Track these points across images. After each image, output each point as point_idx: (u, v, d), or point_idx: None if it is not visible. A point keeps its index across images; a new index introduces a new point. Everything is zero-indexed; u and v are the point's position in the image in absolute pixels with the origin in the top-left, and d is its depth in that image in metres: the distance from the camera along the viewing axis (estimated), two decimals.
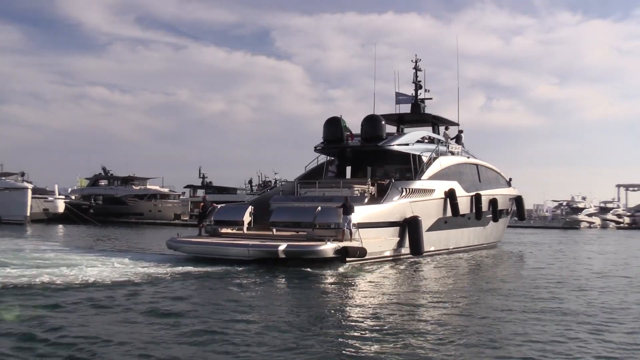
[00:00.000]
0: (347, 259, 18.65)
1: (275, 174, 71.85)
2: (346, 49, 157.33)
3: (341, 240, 18.53)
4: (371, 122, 25.59)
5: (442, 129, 31.06)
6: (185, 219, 65.31)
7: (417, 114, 31.20)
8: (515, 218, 38.40)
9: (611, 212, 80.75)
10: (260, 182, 73.93)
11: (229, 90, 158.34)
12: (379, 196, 22.41)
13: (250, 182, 75.91)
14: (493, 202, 29.51)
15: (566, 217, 77.34)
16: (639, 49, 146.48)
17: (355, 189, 22.78)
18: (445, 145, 28.55)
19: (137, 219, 62.90)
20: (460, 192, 25.89)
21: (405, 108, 31.48)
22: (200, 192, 72.16)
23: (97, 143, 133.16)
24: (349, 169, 28.23)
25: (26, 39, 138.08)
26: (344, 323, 10.53)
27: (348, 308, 12.20)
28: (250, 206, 22.07)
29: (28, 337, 8.87)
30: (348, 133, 25.93)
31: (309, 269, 17.30)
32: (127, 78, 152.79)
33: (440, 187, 24.86)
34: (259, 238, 19.76)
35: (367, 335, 9.47)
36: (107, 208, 64.70)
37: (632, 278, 18.55)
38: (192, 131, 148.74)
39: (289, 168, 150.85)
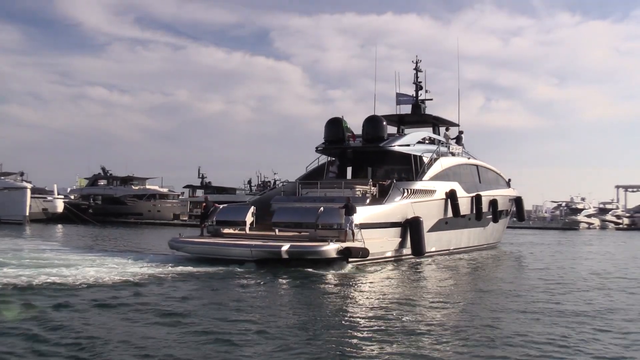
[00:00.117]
0: (350, 260, 18.71)
1: (275, 174, 71.97)
2: (345, 49, 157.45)
3: (344, 241, 18.59)
4: (372, 123, 25.67)
5: (442, 129, 31.16)
6: (185, 219, 65.32)
7: (417, 115, 31.31)
8: (515, 219, 38.56)
9: (610, 213, 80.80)
10: (260, 183, 73.87)
11: (228, 90, 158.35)
12: (380, 197, 22.48)
13: (249, 182, 75.93)
14: (493, 203, 29.62)
15: (565, 218, 77.37)
16: (638, 50, 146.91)
17: (357, 189, 22.86)
18: (446, 146, 28.65)
19: (136, 219, 62.89)
20: (460, 192, 25.98)
21: (406, 109, 31.63)
22: (200, 192, 72.12)
23: (96, 143, 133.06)
24: (349, 170, 28.30)
25: (25, 39, 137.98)
26: (347, 324, 10.57)
27: (352, 309, 12.24)
28: (253, 206, 22.10)
29: (28, 337, 8.91)
30: (350, 134, 26.01)
31: (310, 270, 17.34)
32: (126, 78, 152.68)
33: (441, 188, 24.95)
34: (261, 238, 19.80)
35: (369, 336, 9.51)
36: (106, 208, 64.65)
37: (631, 279, 18.65)
38: (191, 131, 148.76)
39: (288, 168, 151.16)
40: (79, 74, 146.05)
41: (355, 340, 9.14)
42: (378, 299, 13.55)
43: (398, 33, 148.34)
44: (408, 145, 25.69)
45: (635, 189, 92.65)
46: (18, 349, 8.28)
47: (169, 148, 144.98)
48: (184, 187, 75.05)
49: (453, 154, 28.76)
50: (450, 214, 25.21)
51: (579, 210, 77.89)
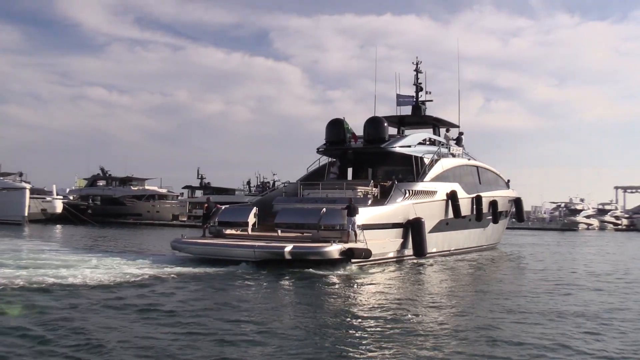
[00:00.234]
0: (352, 261, 18.76)
1: (274, 175, 72.05)
2: (345, 50, 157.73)
3: (346, 242, 18.63)
4: (374, 124, 25.74)
5: (442, 130, 31.28)
6: (184, 219, 65.34)
7: (418, 116, 31.42)
8: (514, 219, 38.64)
9: (609, 214, 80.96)
10: (259, 183, 73.91)
11: (227, 91, 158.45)
12: (382, 198, 22.53)
13: (248, 183, 75.99)
14: (493, 204, 29.71)
15: (564, 219, 77.49)
16: (637, 50, 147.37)
17: (358, 190, 22.91)
18: (446, 147, 28.74)
19: (135, 220, 62.86)
20: (461, 193, 26.05)
21: (406, 110, 31.74)
22: (199, 193, 72.15)
23: (95, 143, 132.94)
24: (350, 171, 28.36)
25: (25, 39, 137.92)
26: (350, 324, 10.61)
27: (354, 310, 12.22)
28: (255, 207, 22.13)
29: (27, 337, 8.95)
30: (351, 135, 26.07)
31: (312, 270, 17.38)
32: (125, 79, 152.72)
33: (442, 189, 25.03)
34: (264, 239, 19.84)
35: (372, 336, 9.54)
36: (105, 208, 64.59)
37: (630, 280, 18.75)
38: (191, 132, 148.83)
39: (287, 169, 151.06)
40: (79, 74, 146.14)
41: (357, 341, 9.19)
42: (381, 299, 13.60)
43: (397, 34, 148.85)
44: (409, 146, 25.78)
45: (634, 190, 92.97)
46: (18, 349, 8.31)
47: (168, 148, 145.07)
48: (183, 187, 75.15)
49: (453, 155, 28.84)
50: (451, 214, 25.28)
51: (578, 211, 78.03)
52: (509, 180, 34.90)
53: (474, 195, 27.65)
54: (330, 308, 12.32)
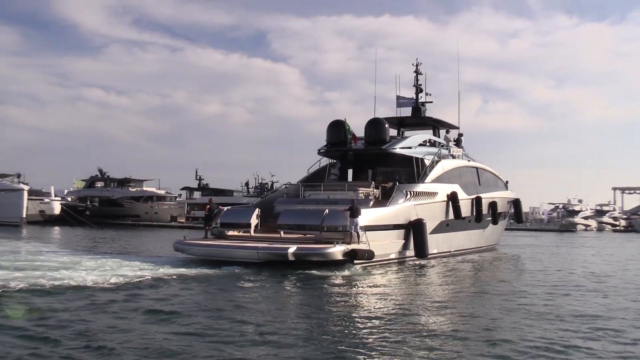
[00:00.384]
0: (355, 262, 18.82)
1: (272, 176, 71.92)
2: (343, 51, 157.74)
3: (349, 243, 18.71)
4: (375, 126, 25.83)
5: (442, 132, 31.41)
6: (182, 221, 65.30)
7: (418, 117, 31.56)
8: (512, 220, 38.77)
9: (607, 215, 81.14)
10: (257, 185, 73.81)
11: (225, 92, 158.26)
12: (383, 199, 22.62)
13: (246, 184, 75.86)
14: (492, 205, 29.84)
15: (562, 220, 77.62)
16: (635, 51, 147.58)
17: (360, 191, 22.99)
18: (447, 149, 28.87)
19: (134, 221, 62.82)
20: (461, 195, 26.16)
21: (405, 111, 31.85)
22: (197, 194, 72.04)
23: (94, 145, 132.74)
24: (350, 172, 28.44)
25: (23, 41, 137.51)
26: (352, 325, 10.61)
27: (357, 311, 12.25)
28: (257, 209, 22.16)
29: (27, 338, 8.96)
30: (351, 136, 26.15)
31: (314, 271, 17.43)
32: (123, 80, 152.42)
33: (443, 190, 25.13)
34: (267, 241, 19.87)
35: (374, 337, 9.56)
36: (104, 210, 64.51)
37: (628, 281, 18.85)
38: (189, 133, 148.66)
39: (285, 170, 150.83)
40: (77, 76, 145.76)
41: (360, 342, 9.21)
42: (384, 301, 13.62)
43: (395, 35, 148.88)
44: (410, 147, 25.89)
45: (632, 191, 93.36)
46: (18, 350, 8.32)
47: (167, 150, 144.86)
48: (182, 189, 75.03)
49: (453, 156, 28.98)
50: (451, 216, 25.39)
51: (576, 212, 78.19)
52: (507, 182, 35.08)
53: (474, 196, 27.78)
54: (334, 309, 12.34)
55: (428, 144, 27.90)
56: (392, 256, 21.50)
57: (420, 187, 23.71)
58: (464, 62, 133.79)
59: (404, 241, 21.97)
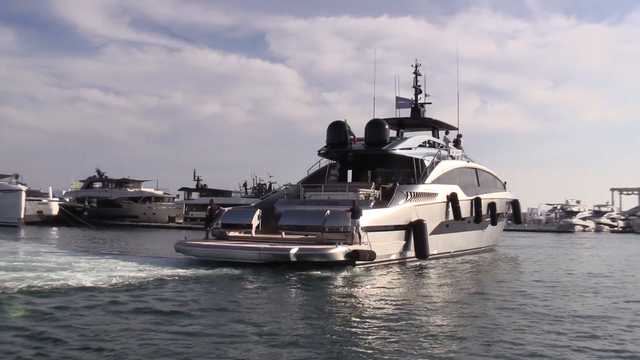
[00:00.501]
0: (357, 262, 18.88)
1: (270, 176, 71.94)
2: (341, 52, 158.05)
3: (350, 244, 18.76)
4: (375, 127, 25.89)
5: (441, 133, 31.52)
6: (180, 221, 65.27)
7: (417, 118, 31.67)
8: (510, 221, 38.88)
9: (605, 215, 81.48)
10: (255, 185, 73.80)
11: (223, 93, 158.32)
12: (384, 200, 22.68)
13: (244, 185, 75.81)
14: (492, 206, 29.94)
15: (560, 221, 77.88)
16: (633, 53, 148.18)
17: (360, 192, 23.04)
18: (446, 150, 28.97)
19: (132, 222, 62.81)
20: (461, 195, 26.24)
21: (404, 112, 31.95)
22: (195, 195, 72.05)
23: (92, 145, 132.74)
24: (350, 173, 28.50)
25: (21, 41, 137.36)
26: (353, 325, 10.63)
27: (360, 312, 12.24)
28: (259, 209, 22.19)
29: (27, 338, 8.97)
30: (352, 137, 26.22)
31: (316, 272, 17.46)
32: (121, 80, 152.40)
33: (443, 191, 25.20)
34: (268, 241, 19.90)
35: (376, 337, 9.61)
36: (102, 210, 64.46)
37: (627, 281, 18.96)
38: (187, 134, 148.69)
39: (283, 171, 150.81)
40: (75, 76, 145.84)
41: (361, 342, 9.25)
42: (386, 301, 13.62)
43: (393, 36, 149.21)
44: (410, 148, 25.97)
45: (630, 192, 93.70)
46: (18, 350, 8.35)
47: (165, 150, 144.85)
48: (180, 189, 75.11)
49: (453, 157, 29.07)
50: (451, 217, 25.47)
51: (574, 213, 78.47)
52: (505, 182, 35.22)
53: (473, 197, 27.87)
54: (335, 310, 12.37)
55: (428, 145, 27.99)
56: (393, 257, 21.56)
57: (420, 188, 23.78)
58: (462, 62, 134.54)
59: (404, 242, 22.04)
